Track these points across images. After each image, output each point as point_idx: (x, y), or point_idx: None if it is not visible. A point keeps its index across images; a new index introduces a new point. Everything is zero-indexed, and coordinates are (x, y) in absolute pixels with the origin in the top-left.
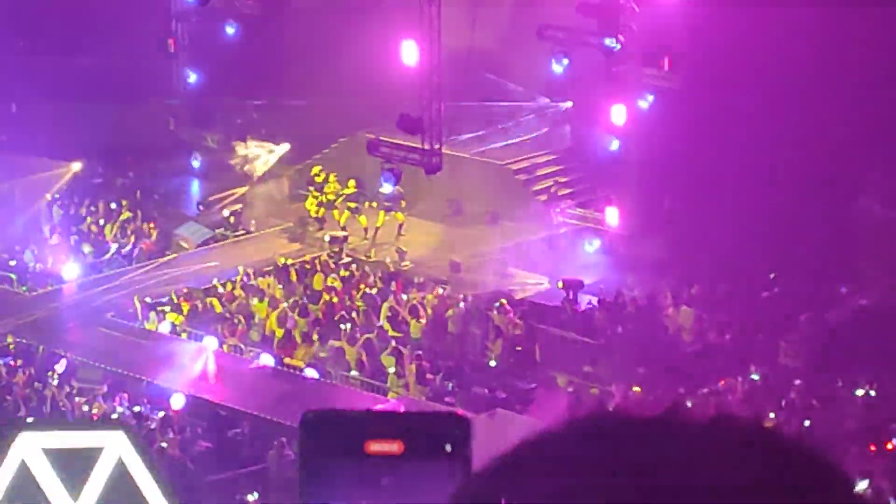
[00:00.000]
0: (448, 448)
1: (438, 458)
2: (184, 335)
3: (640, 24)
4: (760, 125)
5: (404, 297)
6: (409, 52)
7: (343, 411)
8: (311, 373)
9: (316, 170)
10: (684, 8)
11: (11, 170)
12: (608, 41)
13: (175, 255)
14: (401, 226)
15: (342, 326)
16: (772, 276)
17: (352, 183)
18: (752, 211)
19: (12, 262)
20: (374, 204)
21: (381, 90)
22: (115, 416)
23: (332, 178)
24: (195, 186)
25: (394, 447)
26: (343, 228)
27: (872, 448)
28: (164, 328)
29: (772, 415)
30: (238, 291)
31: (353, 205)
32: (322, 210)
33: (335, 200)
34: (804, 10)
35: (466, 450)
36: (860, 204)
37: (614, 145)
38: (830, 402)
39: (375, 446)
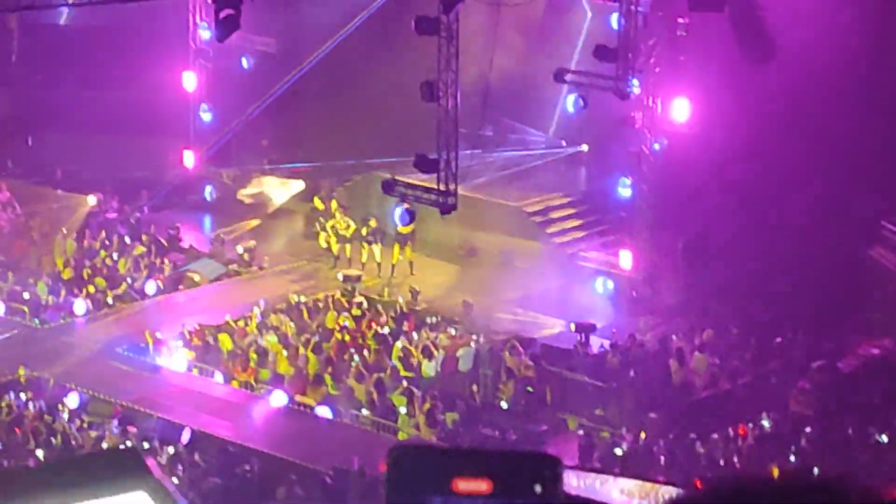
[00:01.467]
0: (538, 489)
1: (528, 499)
2: (195, 371)
3: (656, 69)
4: (774, 170)
5: (416, 336)
6: (429, 92)
7: (432, 446)
8: (324, 411)
9: (316, 200)
10: (700, 54)
11: (27, 202)
12: (624, 86)
13: (188, 290)
14: (412, 263)
15: (353, 364)
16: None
17: (373, 221)
18: (765, 257)
19: (26, 295)
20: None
21: (398, 128)
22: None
23: (336, 209)
24: (209, 222)
25: (483, 486)
26: (362, 266)
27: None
28: (176, 363)
29: (792, 458)
30: (251, 328)
31: (366, 247)
32: (336, 245)
33: (349, 236)
34: (817, 60)
35: (557, 491)
36: (874, 252)
37: (629, 189)
38: (842, 449)
39: (464, 485)
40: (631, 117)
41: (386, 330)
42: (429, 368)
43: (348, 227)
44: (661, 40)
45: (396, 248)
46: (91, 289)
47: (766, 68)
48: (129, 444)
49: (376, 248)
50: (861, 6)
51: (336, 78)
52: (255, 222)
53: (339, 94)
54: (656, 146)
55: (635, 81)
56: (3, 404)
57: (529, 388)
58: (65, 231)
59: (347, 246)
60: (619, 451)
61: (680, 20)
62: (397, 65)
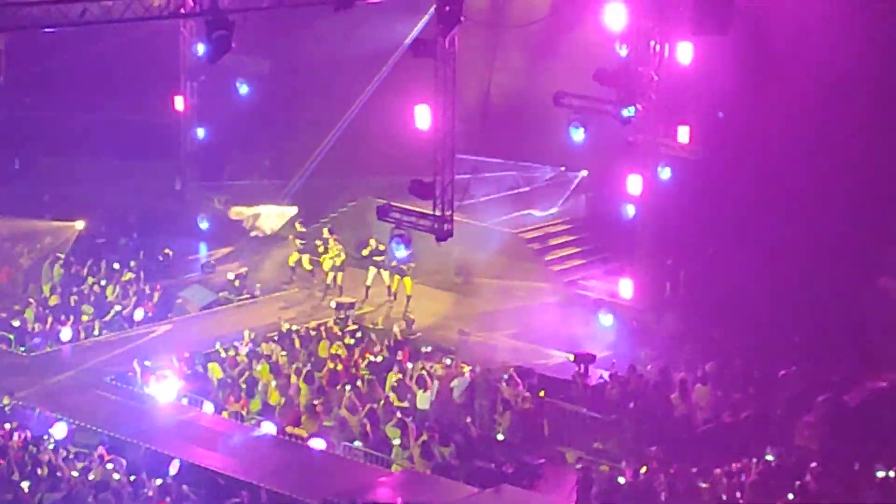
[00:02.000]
0: None
1: None
2: (184, 400)
3: (658, 93)
4: (777, 199)
5: (411, 366)
6: (423, 117)
7: None
8: (317, 443)
9: (297, 225)
10: (702, 78)
11: (14, 227)
12: (625, 110)
13: (178, 317)
14: (409, 297)
15: (346, 395)
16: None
17: (373, 241)
18: (769, 288)
19: (15, 323)
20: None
21: (393, 153)
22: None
23: (329, 236)
24: (201, 248)
25: None
26: (366, 289)
27: None
28: (165, 393)
29: (790, 496)
30: (241, 357)
31: (371, 270)
32: (330, 273)
33: (339, 264)
34: (823, 84)
35: None
36: (881, 284)
37: (630, 215)
38: (848, 485)
39: None
40: (632, 142)
41: (380, 359)
42: (423, 400)
43: (339, 254)
44: (663, 64)
45: (396, 278)
46: (85, 318)
47: (769, 92)
48: (116, 475)
49: (383, 273)
50: (871, 27)
51: (332, 99)
52: (243, 246)
53: (335, 115)
54: (658, 172)
55: (637, 106)
56: None
57: (527, 421)
58: (52, 256)
59: (340, 274)
60: (618, 483)
61: (683, 43)
62: (394, 87)
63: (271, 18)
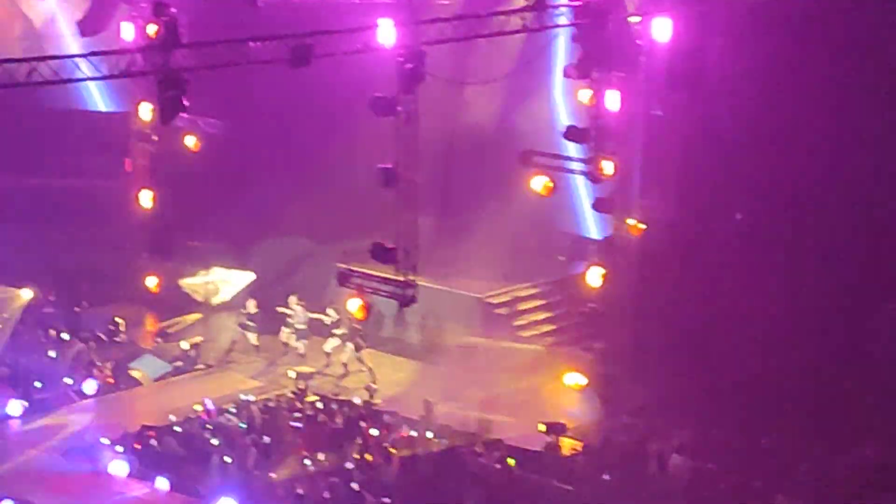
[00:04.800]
0: None
1: None
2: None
3: (631, 150)
4: (755, 259)
5: (374, 431)
6: (385, 177)
7: None
8: None
9: (250, 304)
10: (674, 134)
11: None
12: (595, 168)
13: (130, 390)
14: (370, 369)
15: (307, 466)
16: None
17: (331, 310)
18: (748, 353)
19: None
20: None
21: (354, 214)
22: None
23: (295, 303)
24: (152, 317)
25: None
26: (327, 357)
27: None
28: (117, 468)
29: None
30: (196, 430)
31: (328, 340)
32: (297, 342)
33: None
34: (801, 142)
35: None
36: (866, 347)
37: (600, 279)
38: None
39: None
40: (604, 201)
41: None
42: (386, 472)
43: (304, 322)
44: (635, 120)
45: (351, 347)
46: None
47: (749, 147)
48: None
49: (334, 342)
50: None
51: (290, 160)
52: (196, 316)
53: (293, 177)
54: (631, 232)
55: (609, 163)
56: None
57: (496, 494)
58: None
59: (302, 342)
60: None
61: (655, 112)
62: (354, 146)
63: (225, 76)
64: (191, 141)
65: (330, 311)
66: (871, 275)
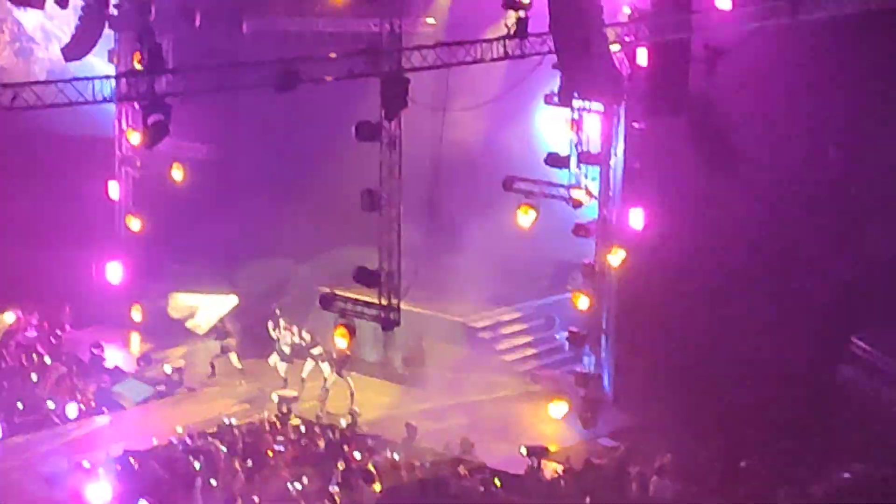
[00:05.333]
0: None
1: None
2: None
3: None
4: (735, 283)
5: (357, 455)
6: (369, 202)
7: None
8: None
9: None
10: (657, 160)
11: None
12: (577, 193)
13: (112, 414)
14: (352, 394)
15: (291, 489)
16: None
17: (307, 336)
18: (729, 376)
19: None
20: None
21: (339, 237)
22: None
23: (285, 326)
24: (135, 340)
25: None
26: (302, 381)
27: None
28: (100, 492)
29: None
30: (178, 453)
31: (307, 363)
32: (282, 365)
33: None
34: (779, 166)
35: None
36: (843, 371)
37: (584, 303)
38: None
39: None
40: (585, 226)
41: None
42: (369, 495)
43: (289, 345)
44: (615, 148)
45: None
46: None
47: (722, 176)
48: None
49: (316, 365)
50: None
51: (275, 182)
52: (182, 350)
53: (278, 200)
54: (613, 256)
55: (586, 193)
56: None
57: None
58: None
59: (284, 365)
60: None
61: (635, 125)
62: (339, 171)
63: (210, 101)
64: (177, 173)
65: (305, 334)
66: (844, 307)
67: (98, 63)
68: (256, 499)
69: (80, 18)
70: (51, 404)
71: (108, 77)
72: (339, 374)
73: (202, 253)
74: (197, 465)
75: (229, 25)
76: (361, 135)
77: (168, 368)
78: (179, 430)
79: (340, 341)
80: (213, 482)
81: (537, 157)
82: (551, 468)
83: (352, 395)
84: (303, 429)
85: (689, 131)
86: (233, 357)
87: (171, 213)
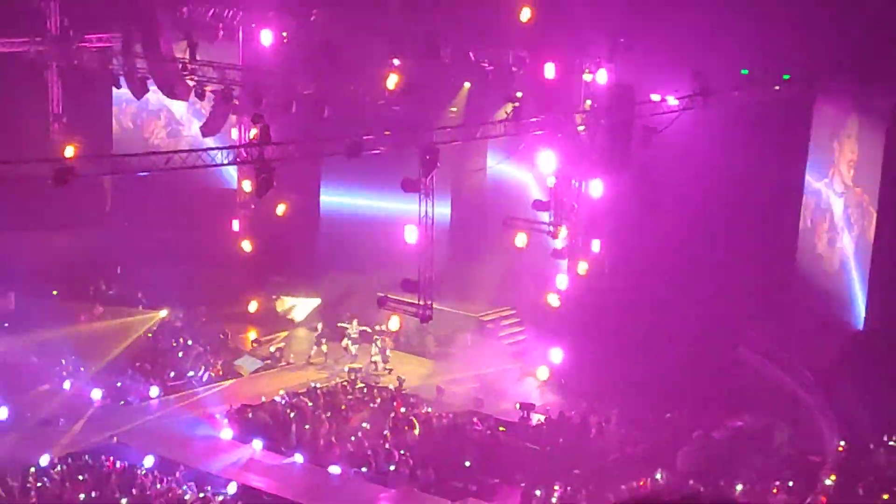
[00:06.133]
0: None
1: None
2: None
3: (578, 216)
4: (663, 288)
5: (403, 410)
6: (411, 234)
7: None
8: (334, 469)
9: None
10: (610, 206)
11: (118, 315)
12: (559, 230)
13: (234, 380)
14: (390, 370)
15: (356, 432)
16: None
17: (361, 325)
18: (659, 354)
19: (118, 384)
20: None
21: (390, 260)
22: (187, 497)
23: (350, 319)
24: (251, 329)
25: None
26: (370, 358)
27: None
28: (225, 434)
29: None
30: (279, 406)
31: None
32: (353, 347)
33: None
34: (694, 208)
35: None
36: (739, 350)
37: (557, 302)
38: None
39: None
40: (560, 251)
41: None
42: (411, 437)
43: (357, 333)
44: (581, 195)
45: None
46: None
47: (656, 215)
48: (188, 495)
49: (374, 346)
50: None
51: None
52: (283, 335)
53: (347, 233)
54: (579, 270)
55: (563, 228)
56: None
57: (485, 452)
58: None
59: (354, 347)
60: (553, 500)
61: (594, 181)
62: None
63: (300, 165)
64: (281, 208)
65: (354, 324)
66: (740, 305)
67: (223, 137)
68: (334, 438)
69: (212, 106)
70: (192, 373)
71: (231, 147)
72: (384, 353)
73: (295, 267)
74: (292, 415)
75: (314, 111)
76: (407, 187)
77: (273, 349)
78: (281, 391)
79: (391, 329)
80: (306, 427)
81: (528, 201)
82: (536, 418)
83: (392, 370)
84: (365, 390)
85: (631, 183)
86: (322, 346)
87: (272, 239)
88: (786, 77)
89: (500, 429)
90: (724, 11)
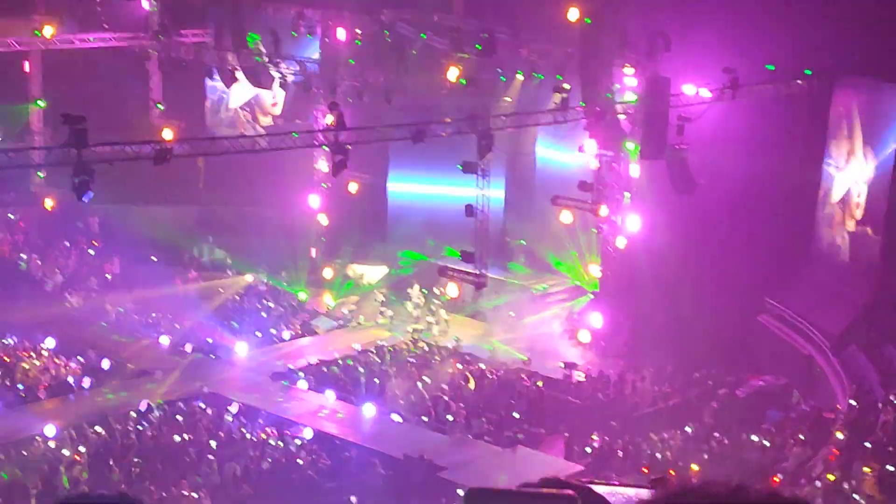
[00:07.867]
0: None
1: None
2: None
3: (619, 197)
4: (694, 262)
5: (459, 366)
6: (470, 211)
7: (509, 492)
8: (396, 417)
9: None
10: (647, 187)
11: (211, 278)
12: (601, 209)
13: (311, 338)
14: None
15: (418, 385)
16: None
17: (423, 290)
18: (690, 320)
19: (209, 339)
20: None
21: (450, 234)
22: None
23: (417, 288)
24: (326, 293)
25: None
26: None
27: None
28: (301, 384)
29: (704, 455)
30: (350, 362)
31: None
32: (415, 311)
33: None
34: (722, 190)
35: None
36: (761, 318)
37: (599, 273)
38: (737, 448)
39: None
40: (601, 227)
41: (439, 363)
42: (466, 390)
43: (420, 298)
44: (620, 178)
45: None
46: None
47: (688, 196)
48: (271, 441)
49: (435, 309)
50: (748, 157)
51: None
52: (355, 298)
53: (412, 214)
54: (618, 244)
55: (604, 206)
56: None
57: (533, 405)
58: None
59: (418, 310)
60: (593, 447)
61: (633, 164)
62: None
63: (371, 147)
64: (353, 187)
65: (417, 289)
66: (761, 277)
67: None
68: (398, 391)
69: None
70: (273, 331)
71: (310, 131)
72: (446, 316)
73: (366, 239)
74: (361, 370)
75: (383, 100)
76: (466, 169)
77: (345, 310)
78: (356, 346)
79: (450, 295)
80: (375, 380)
81: (573, 182)
82: (578, 376)
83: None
84: (426, 348)
85: (667, 169)
86: (388, 310)
87: (345, 214)
88: (807, 72)
89: (538, 384)
90: (753, 13)
